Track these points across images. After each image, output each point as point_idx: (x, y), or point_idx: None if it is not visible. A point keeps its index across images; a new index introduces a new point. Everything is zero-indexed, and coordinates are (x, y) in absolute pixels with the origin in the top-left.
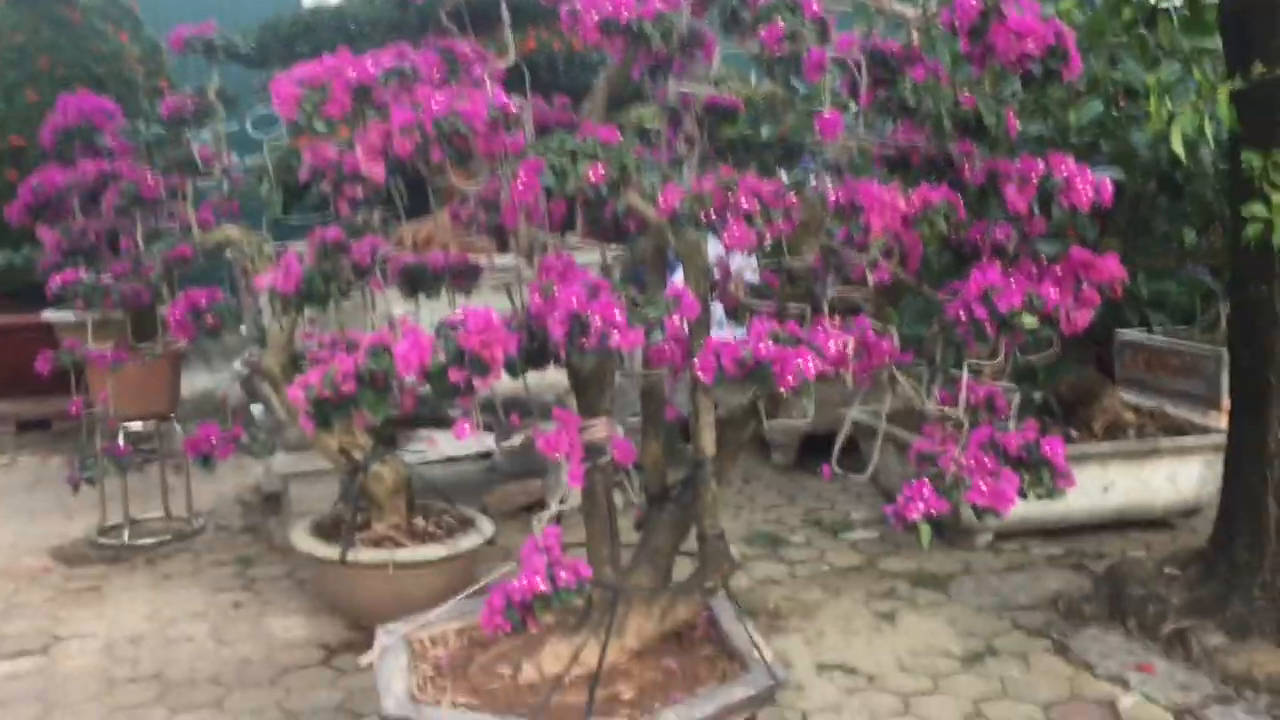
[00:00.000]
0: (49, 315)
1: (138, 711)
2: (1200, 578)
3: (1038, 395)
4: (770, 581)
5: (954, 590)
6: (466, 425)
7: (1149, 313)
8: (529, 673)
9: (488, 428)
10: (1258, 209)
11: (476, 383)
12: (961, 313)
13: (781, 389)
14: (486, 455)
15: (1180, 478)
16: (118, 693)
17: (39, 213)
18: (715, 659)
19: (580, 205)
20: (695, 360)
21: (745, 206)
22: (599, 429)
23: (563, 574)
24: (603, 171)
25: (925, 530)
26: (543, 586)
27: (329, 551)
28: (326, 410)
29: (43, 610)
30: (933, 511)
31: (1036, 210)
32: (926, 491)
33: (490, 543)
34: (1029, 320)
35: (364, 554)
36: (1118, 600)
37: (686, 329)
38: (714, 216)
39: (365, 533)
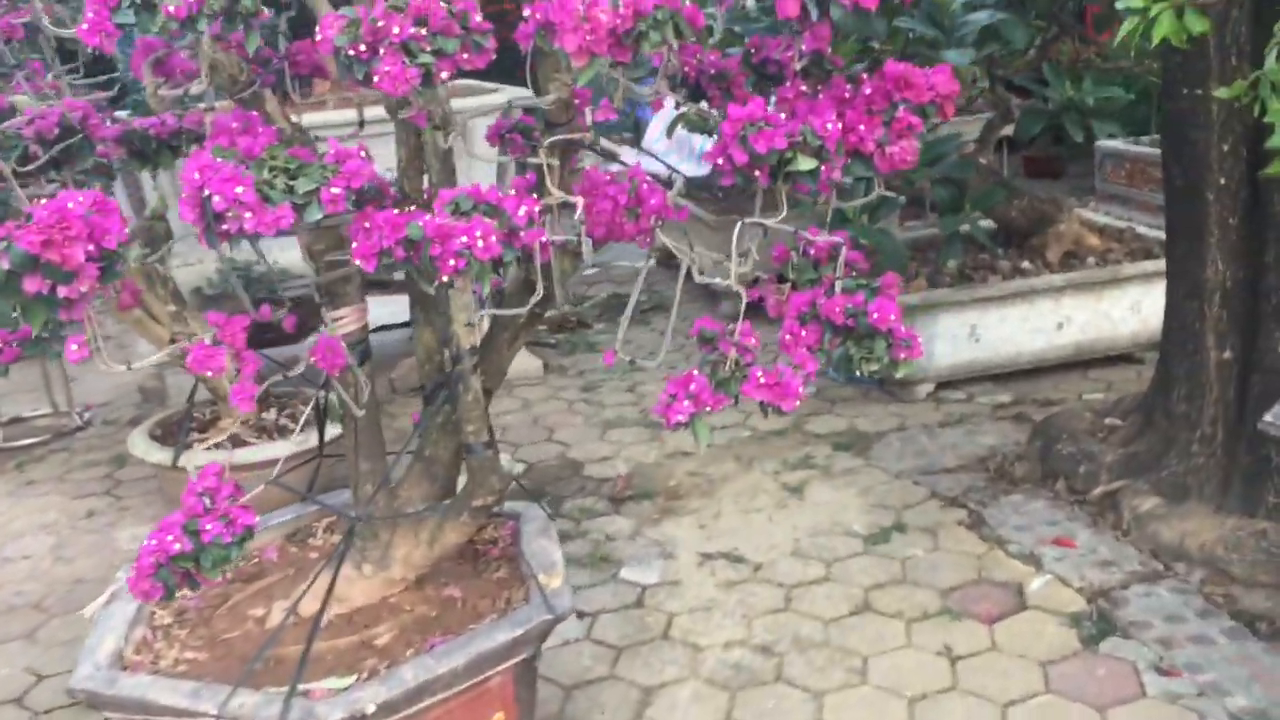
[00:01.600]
0: None
1: None
2: (1137, 431)
3: (964, 228)
4: (681, 454)
5: (877, 453)
6: (75, 343)
7: (1096, 123)
8: (275, 615)
9: None
10: None
11: (65, 291)
12: (720, 159)
13: (444, 276)
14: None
15: (1145, 306)
16: None
17: None
18: (506, 583)
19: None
20: (353, 243)
21: (399, 35)
22: (348, 320)
23: (209, 525)
24: None
25: (703, 430)
26: (178, 545)
27: (162, 456)
28: None
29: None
30: (708, 409)
31: (814, 13)
32: (695, 386)
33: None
34: (804, 163)
35: (199, 456)
36: (1048, 458)
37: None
38: (364, 50)
39: (212, 430)
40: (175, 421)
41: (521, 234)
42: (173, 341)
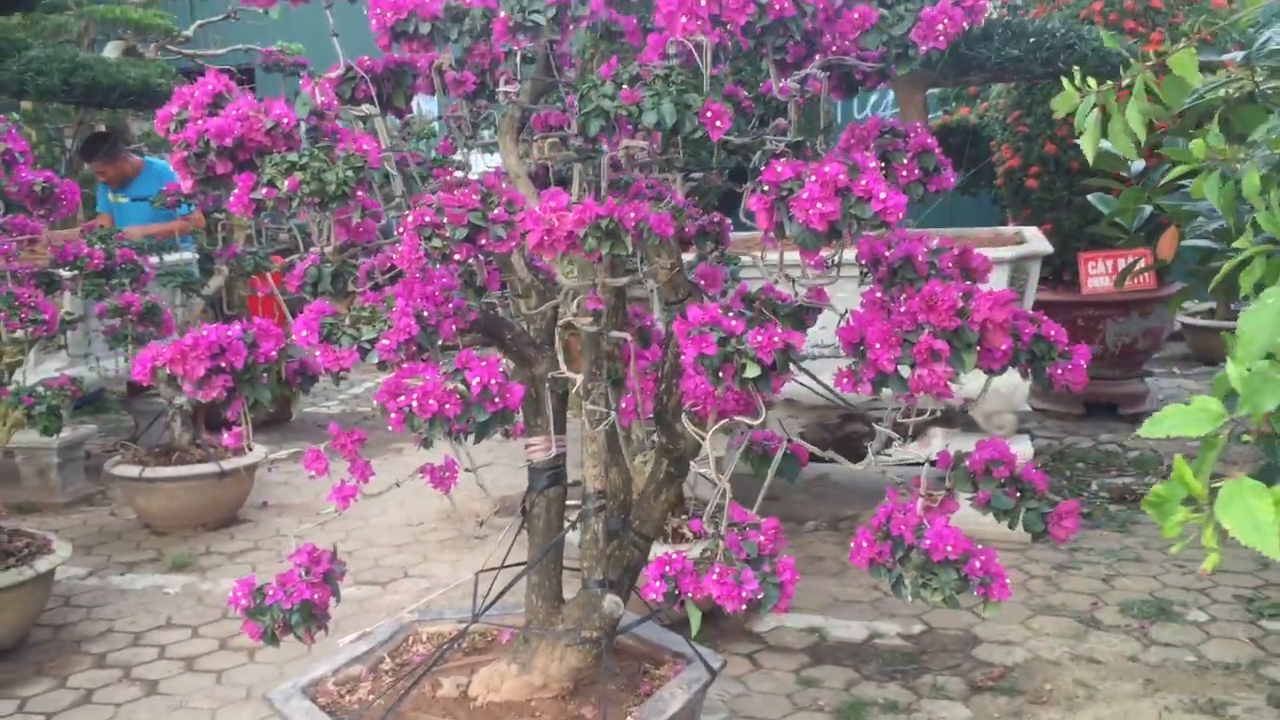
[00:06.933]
0: None
1: None
2: None
3: None
4: (1088, 660)
5: None
6: (230, 436)
7: None
8: (447, 688)
9: None
10: None
11: (200, 395)
12: (683, 358)
13: (389, 426)
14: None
15: None
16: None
17: None
18: None
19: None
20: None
21: (413, 222)
22: (538, 448)
23: (270, 590)
24: (298, 181)
25: (694, 615)
26: (244, 601)
27: None
28: None
29: (429, 551)
30: (685, 596)
31: (787, 230)
32: (673, 568)
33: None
34: (751, 369)
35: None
36: None
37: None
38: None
39: None
40: None
41: (494, 400)
42: None
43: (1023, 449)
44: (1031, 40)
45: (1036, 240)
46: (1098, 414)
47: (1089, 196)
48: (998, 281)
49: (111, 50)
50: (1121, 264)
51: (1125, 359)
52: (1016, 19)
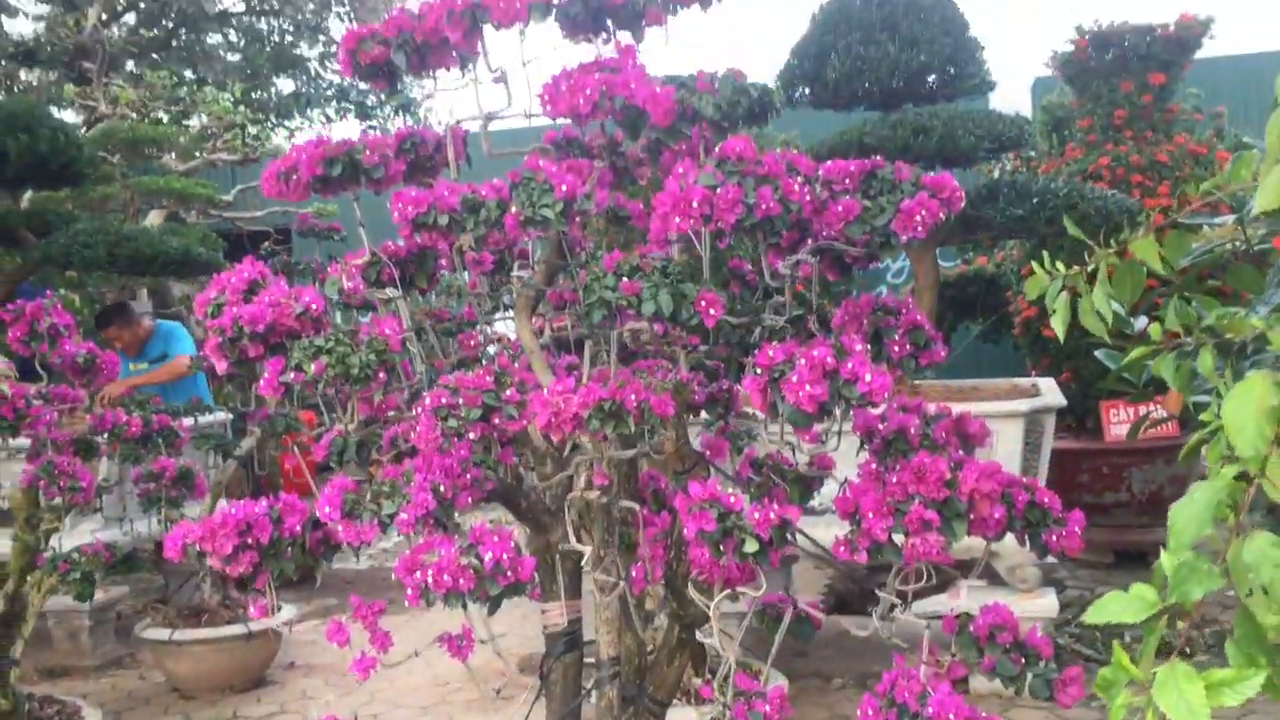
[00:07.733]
0: None
1: None
2: None
3: None
4: None
5: None
6: (255, 607)
7: None
8: None
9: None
10: None
11: (229, 570)
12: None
13: (406, 602)
14: None
15: None
16: None
17: None
18: None
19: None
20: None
21: (430, 403)
22: (553, 613)
23: None
24: (324, 364)
25: None
26: None
27: None
28: None
29: (455, 712)
30: None
31: (776, 411)
32: None
33: None
34: (750, 544)
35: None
36: None
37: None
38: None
39: None
40: None
41: (507, 574)
42: None
43: (1047, 602)
44: (1035, 200)
45: (1051, 393)
46: (1128, 562)
47: (1096, 353)
48: (1012, 434)
49: (154, 217)
50: (1144, 411)
51: (1152, 506)
52: (1023, 175)
